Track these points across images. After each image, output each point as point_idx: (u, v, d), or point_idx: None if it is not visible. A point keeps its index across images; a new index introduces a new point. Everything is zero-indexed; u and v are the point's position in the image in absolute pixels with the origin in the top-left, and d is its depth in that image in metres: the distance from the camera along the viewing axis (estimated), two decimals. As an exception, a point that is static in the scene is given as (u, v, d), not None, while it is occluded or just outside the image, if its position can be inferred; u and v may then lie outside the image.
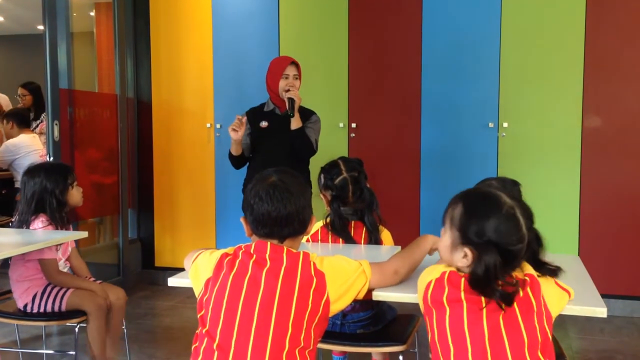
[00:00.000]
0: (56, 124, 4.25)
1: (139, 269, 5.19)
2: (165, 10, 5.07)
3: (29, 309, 2.89)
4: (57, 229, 2.91)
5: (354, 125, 4.65)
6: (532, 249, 1.65)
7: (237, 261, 1.73)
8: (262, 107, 3.67)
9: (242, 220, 1.83)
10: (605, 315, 1.62)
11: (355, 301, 2.48)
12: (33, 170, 2.99)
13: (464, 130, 4.51)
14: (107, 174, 4.87)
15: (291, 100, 3.44)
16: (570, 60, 4.33)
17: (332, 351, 2.87)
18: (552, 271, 1.69)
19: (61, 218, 2.95)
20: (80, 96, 4.56)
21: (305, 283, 1.69)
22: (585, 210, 4.35)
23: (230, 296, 1.68)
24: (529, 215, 1.64)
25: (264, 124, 3.58)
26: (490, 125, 4.45)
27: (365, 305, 2.49)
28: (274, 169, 1.83)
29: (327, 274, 1.72)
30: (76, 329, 2.84)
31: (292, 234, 1.78)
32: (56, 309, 2.86)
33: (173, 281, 1.95)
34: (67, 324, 2.87)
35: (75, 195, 3.06)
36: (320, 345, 2.44)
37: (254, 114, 3.63)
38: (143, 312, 4.42)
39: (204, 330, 1.70)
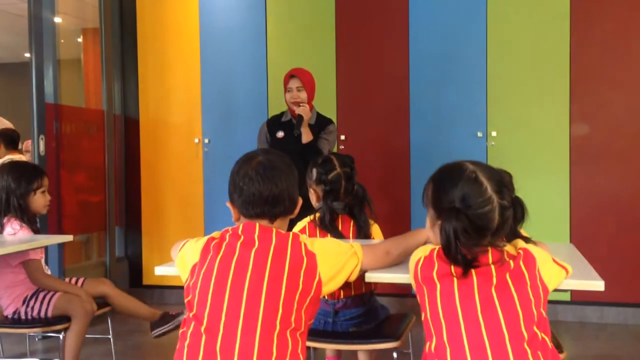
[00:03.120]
0: (42, 139, 4.21)
1: (126, 288, 5.09)
2: (152, 25, 5.08)
3: (17, 315, 2.83)
4: (33, 231, 2.87)
5: (342, 137, 4.64)
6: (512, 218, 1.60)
7: (224, 244, 1.69)
8: (281, 116, 3.81)
9: (228, 204, 1.79)
10: (602, 289, 1.59)
11: (346, 297, 2.46)
12: (2, 168, 2.96)
13: (453, 140, 4.51)
14: (94, 190, 4.82)
15: (299, 117, 3.60)
16: (556, 70, 4.36)
17: (326, 356, 2.81)
18: (525, 239, 1.66)
19: (29, 221, 2.90)
20: (67, 111, 4.53)
21: (296, 263, 1.64)
22: (575, 217, 4.34)
23: (217, 278, 1.63)
24: (500, 182, 1.60)
25: (280, 134, 3.72)
26: (479, 134, 4.45)
27: (357, 301, 2.45)
28: (260, 149, 1.81)
29: (319, 255, 1.68)
30: (61, 335, 2.77)
31: (283, 213, 1.75)
32: (42, 314, 2.81)
33: (160, 270, 1.92)
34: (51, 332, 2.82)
35: (39, 201, 2.96)
36: (313, 344, 2.39)
37: (273, 124, 3.79)
38: (130, 329, 4.32)
39: (191, 315, 1.64)
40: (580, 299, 4.28)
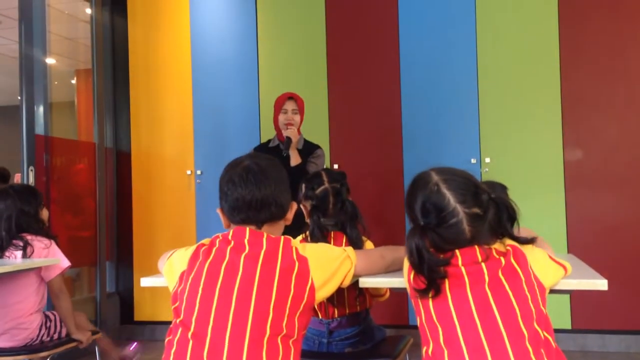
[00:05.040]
0: (31, 170, 4.15)
1: (117, 324, 4.98)
2: (144, 57, 5.08)
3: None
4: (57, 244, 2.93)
5: (335, 166, 4.61)
6: (496, 222, 1.53)
7: (214, 249, 1.64)
8: (268, 143, 3.80)
9: (218, 211, 1.74)
10: (606, 288, 1.53)
11: (341, 316, 2.38)
12: (3, 192, 2.94)
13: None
14: (84, 224, 4.74)
15: (287, 139, 3.58)
16: (547, 96, 4.36)
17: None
18: (528, 241, 1.57)
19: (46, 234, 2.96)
20: (57, 144, 4.49)
21: (287, 267, 1.59)
22: (572, 243, 4.28)
23: (206, 283, 1.57)
24: (473, 189, 1.52)
25: None
26: (473, 161, 4.43)
27: (352, 320, 2.37)
28: (247, 154, 1.77)
29: (311, 259, 1.63)
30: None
31: (270, 219, 1.69)
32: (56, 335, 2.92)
33: (146, 281, 1.84)
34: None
35: (45, 215, 3.03)
36: (307, 366, 2.30)
37: (261, 151, 3.73)
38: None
39: (177, 321, 1.58)
40: (581, 327, 4.19)
